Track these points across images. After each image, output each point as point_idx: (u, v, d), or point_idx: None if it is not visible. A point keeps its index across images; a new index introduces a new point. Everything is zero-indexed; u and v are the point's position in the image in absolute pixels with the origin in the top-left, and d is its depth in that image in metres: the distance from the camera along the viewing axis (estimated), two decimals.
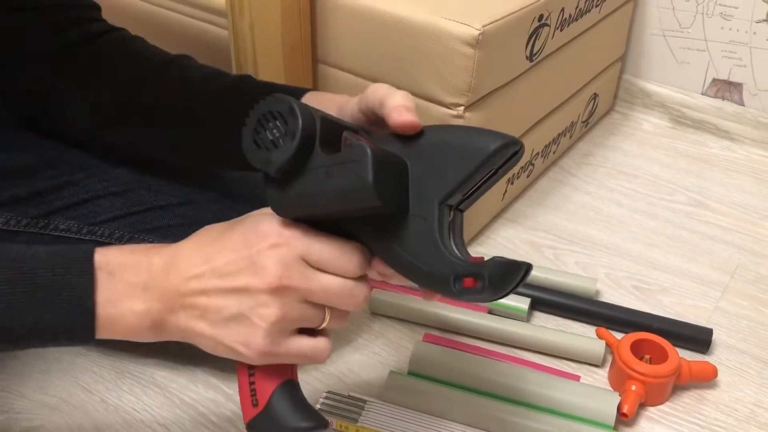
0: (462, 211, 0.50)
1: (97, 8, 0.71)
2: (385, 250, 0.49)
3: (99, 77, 0.69)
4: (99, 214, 0.68)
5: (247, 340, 0.48)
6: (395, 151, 0.48)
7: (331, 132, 0.48)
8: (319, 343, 0.51)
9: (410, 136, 0.49)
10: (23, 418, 0.73)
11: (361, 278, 0.50)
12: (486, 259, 0.46)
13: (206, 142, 0.68)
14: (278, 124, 0.47)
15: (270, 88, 0.67)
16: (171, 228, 0.68)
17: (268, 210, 0.51)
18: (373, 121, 0.54)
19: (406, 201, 0.48)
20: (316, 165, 0.47)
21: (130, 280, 0.48)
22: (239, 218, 0.52)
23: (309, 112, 0.47)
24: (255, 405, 0.52)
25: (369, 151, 0.45)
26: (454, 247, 0.48)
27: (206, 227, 0.52)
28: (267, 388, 0.52)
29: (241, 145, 0.65)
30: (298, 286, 0.48)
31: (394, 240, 0.48)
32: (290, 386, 0.53)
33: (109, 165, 0.71)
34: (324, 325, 0.51)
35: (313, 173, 0.47)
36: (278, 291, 0.48)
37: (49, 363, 0.78)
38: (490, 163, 0.47)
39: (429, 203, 0.47)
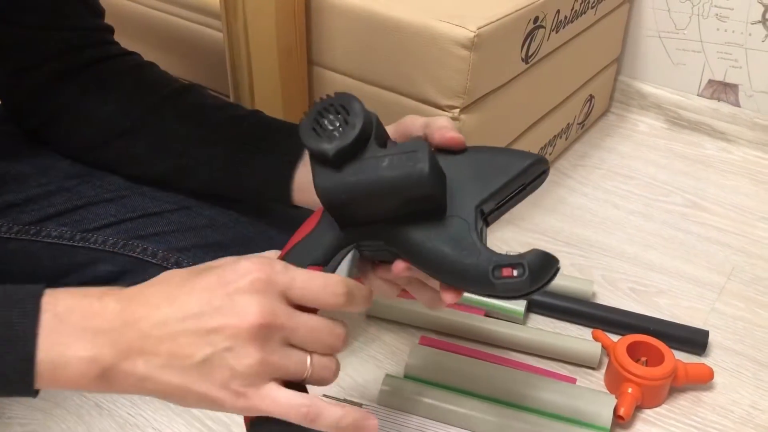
0: (488, 225, 0.53)
1: (111, 31, 0.72)
2: (418, 247, 0.51)
3: (112, 95, 0.69)
4: (92, 220, 0.68)
5: (225, 383, 0.44)
6: None
7: (382, 133, 0.51)
8: (307, 398, 0.46)
9: (450, 152, 0.52)
10: (16, 423, 0.72)
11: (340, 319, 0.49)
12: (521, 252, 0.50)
13: (211, 163, 0.68)
14: (339, 117, 0.49)
15: (282, 124, 0.68)
16: (165, 234, 0.68)
17: (242, 257, 0.48)
18: None
19: (445, 201, 0.51)
20: (370, 155, 0.49)
21: (78, 323, 0.43)
22: (208, 264, 0.48)
23: (368, 111, 0.50)
24: None
25: (426, 143, 0.48)
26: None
27: (168, 272, 0.48)
28: None
29: (246, 172, 0.66)
30: (282, 323, 0.45)
31: (431, 236, 0.50)
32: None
33: (103, 172, 0.71)
34: (307, 374, 0.47)
35: (368, 162, 0.48)
36: (260, 331, 0.44)
37: None
38: (523, 177, 0.52)
39: (467, 205, 0.51)
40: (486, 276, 0.48)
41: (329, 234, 0.53)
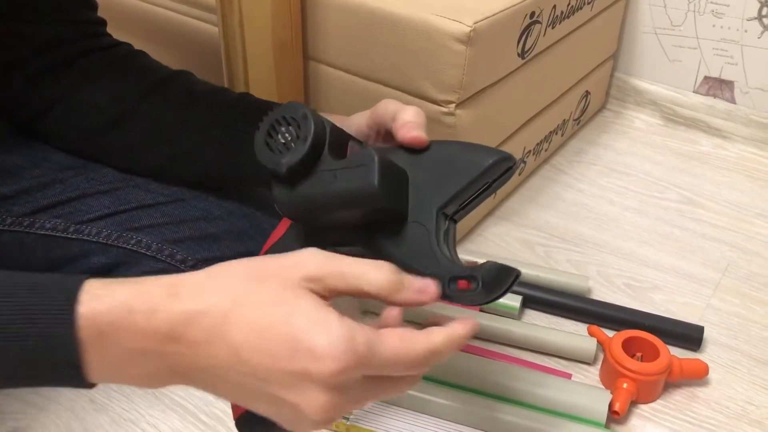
0: (456, 222, 0.53)
1: (104, 24, 0.72)
2: (383, 255, 0.51)
3: (103, 85, 0.69)
4: (86, 212, 0.67)
5: (297, 418, 0.42)
6: (398, 162, 0.52)
7: (338, 140, 0.51)
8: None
9: (414, 150, 0.52)
10: (10, 418, 0.72)
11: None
12: (480, 263, 0.50)
13: (204, 151, 0.68)
14: (291, 129, 0.49)
15: (271, 106, 0.68)
16: (159, 226, 0.68)
17: (312, 304, 0.41)
18: (380, 136, 0.56)
19: (405, 208, 0.51)
20: (324, 168, 0.49)
21: (126, 345, 0.40)
22: (273, 293, 0.41)
23: (320, 119, 0.50)
24: None
25: (376, 156, 0.48)
26: (449, 254, 0.51)
27: (226, 270, 0.42)
28: None
29: (240, 157, 0.67)
30: (350, 405, 0.42)
31: (393, 244, 0.50)
32: None
33: (97, 164, 0.70)
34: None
35: (321, 175, 0.49)
36: (331, 414, 0.40)
37: None
38: (485, 177, 0.51)
39: (427, 211, 0.50)
40: (442, 288, 0.48)
41: (300, 238, 0.54)
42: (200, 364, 0.40)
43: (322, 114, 0.58)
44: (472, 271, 0.48)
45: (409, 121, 0.52)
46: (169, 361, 0.40)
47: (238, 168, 0.67)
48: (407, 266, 0.49)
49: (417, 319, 0.85)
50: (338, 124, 0.58)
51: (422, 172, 0.51)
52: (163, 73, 0.71)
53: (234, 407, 0.54)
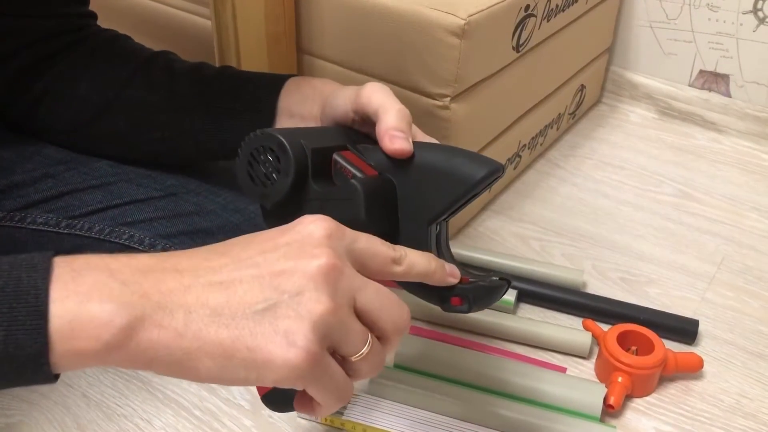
0: (446, 221, 0.54)
1: (93, 16, 0.72)
2: None
3: (87, 75, 0.69)
4: (78, 207, 0.67)
5: (291, 332, 0.36)
6: (385, 166, 0.52)
7: (321, 158, 0.50)
8: (348, 381, 0.41)
9: (399, 161, 0.51)
10: (2, 414, 0.72)
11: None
12: (470, 279, 0.51)
13: (193, 131, 0.68)
14: (270, 158, 0.49)
15: (252, 77, 0.67)
16: (152, 221, 0.68)
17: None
18: (366, 122, 0.55)
19: (396, 223, 0.51)
20: (310, 197, 0.49)
21: (99, 275, 0.36)
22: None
23: (300, 147, 0.49)
24: None
25: (361, 191, 0.48)
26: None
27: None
28: None
29: (226, 133, 0.67)
30: (351, 275, 0.40)
31: None
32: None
33: (89, 158, 0.70)
34: (365, 350, 0.40)
35: (308, 205, 0.49)
36: (332, 273, 0.38)
37: None
38: (475, 189, 0.51)
39: (418, 225, 0.51)
40: (436, 303, 0.51)
41: None
42: (186, 279, 0.37)
43: (306, 77, 0.58)
44: (463, 291, 0.50)
45: (391, 127, 0.50)
46: (148, 286, 0.36)
47: (227, 144, 0.67)
48: (405, 285, 0.50)
49: None
50: (326, 97, 0.58)
51: (410, 181, 0.51)
52: (144, 56, 0.71)
53: (259, 386, 0.54)
